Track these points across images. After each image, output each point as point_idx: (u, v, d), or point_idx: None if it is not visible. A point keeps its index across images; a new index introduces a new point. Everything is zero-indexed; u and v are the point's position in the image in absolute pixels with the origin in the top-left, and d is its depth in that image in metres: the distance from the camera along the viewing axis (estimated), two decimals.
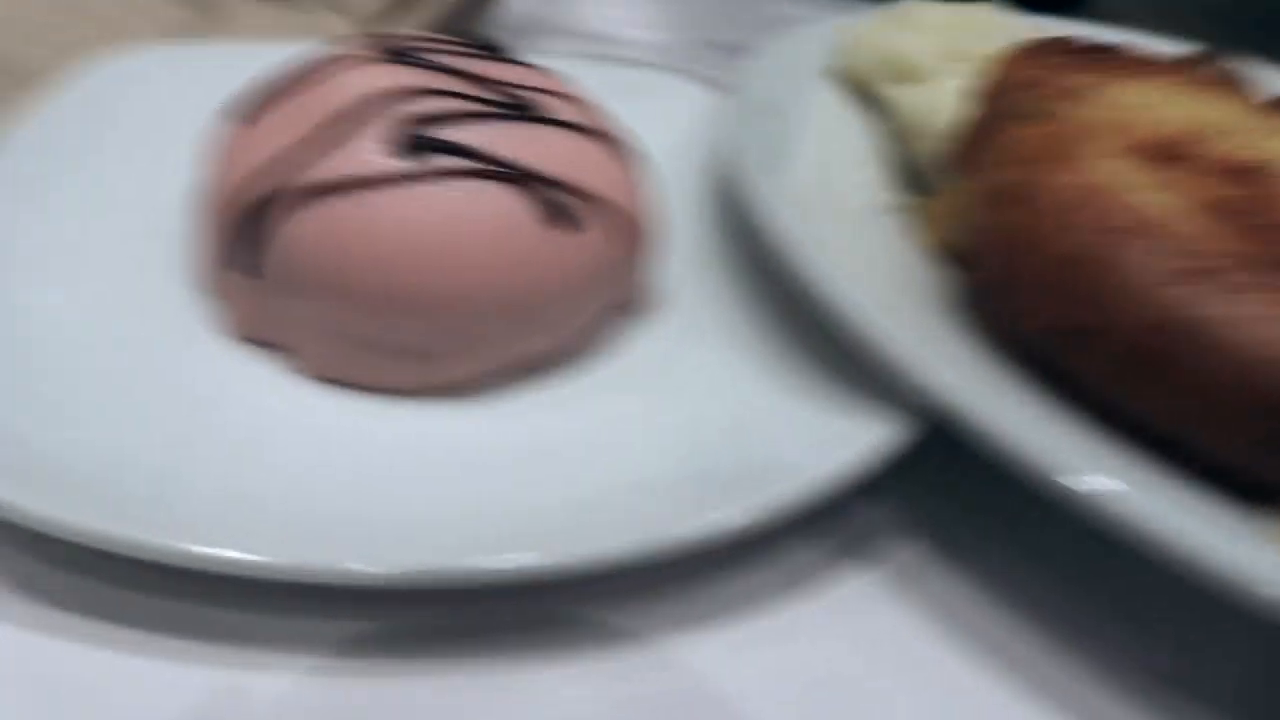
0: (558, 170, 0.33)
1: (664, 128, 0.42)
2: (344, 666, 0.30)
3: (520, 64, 0.37)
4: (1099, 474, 0.29)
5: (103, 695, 0.28)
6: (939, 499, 0.35)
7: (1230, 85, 0.39)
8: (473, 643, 0.30)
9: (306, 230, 0.32)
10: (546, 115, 0.35)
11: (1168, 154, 0.34)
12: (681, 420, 0.34)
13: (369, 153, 0.32)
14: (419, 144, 0.32)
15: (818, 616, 0.32)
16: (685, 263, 0.39)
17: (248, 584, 0.29)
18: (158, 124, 0.41)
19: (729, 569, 0.33)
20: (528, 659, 0.30)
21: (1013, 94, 0.37)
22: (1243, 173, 0.34)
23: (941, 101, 0.40)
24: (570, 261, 0.33)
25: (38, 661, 0.29)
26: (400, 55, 0.35)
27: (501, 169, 0.33)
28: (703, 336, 0.37)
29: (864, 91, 0.44)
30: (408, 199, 0.32)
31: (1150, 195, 0.33)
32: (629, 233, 0.35)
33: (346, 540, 0.29)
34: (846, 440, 0.32)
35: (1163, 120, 0.35)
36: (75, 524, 0.28)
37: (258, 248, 0.33)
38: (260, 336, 0.35)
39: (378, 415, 0.33)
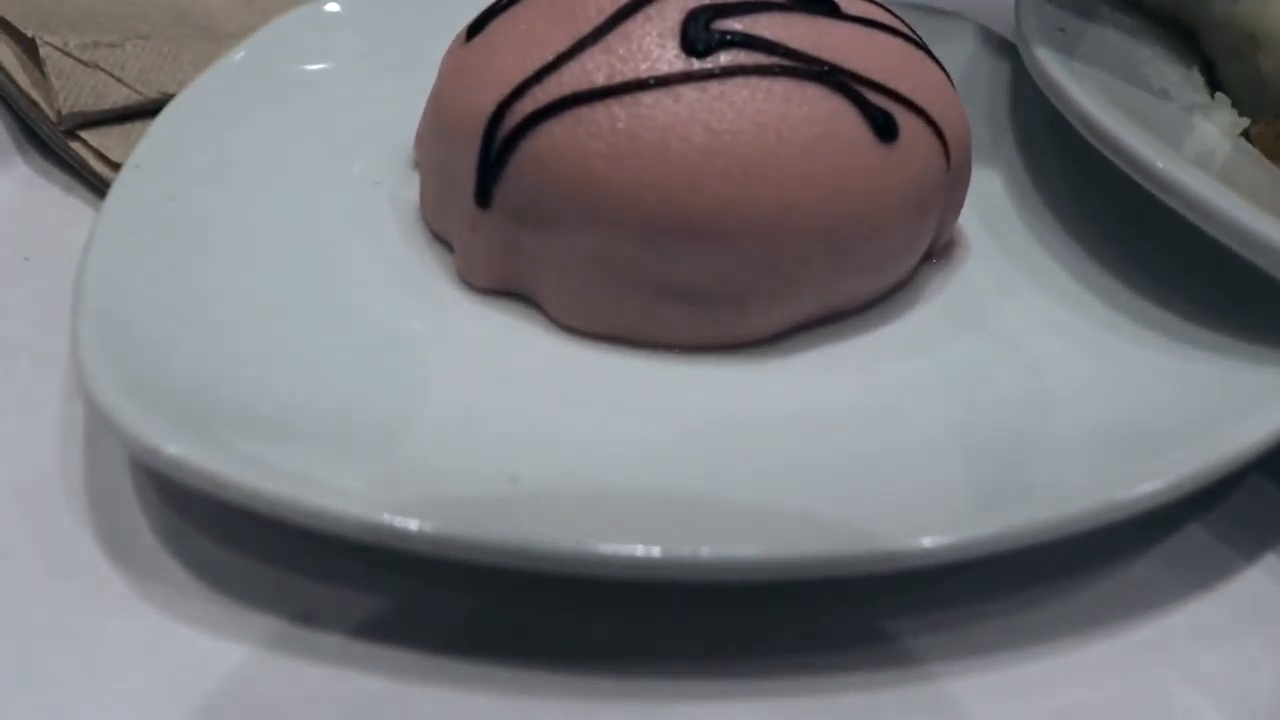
0: (881, 74, 0.27)
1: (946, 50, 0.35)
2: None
3: None
4: None
5: None
6: None
7: None
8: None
9: (572, 142, 0.26)
10: (851, 14, 0.28)
11: None
12: (1031, 378, 0.27)
13: (650, 48, 0.26)
14: (711, 38, 0.26)
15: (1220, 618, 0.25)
16: (994, 204, 0.33)
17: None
18: (374, 68, 0.35)
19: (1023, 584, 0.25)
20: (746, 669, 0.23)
21: None
22: None
23: None
24: (906, 183, 0.27)
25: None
26: None
27: (818, 67, 0.26)
28: (1029, 283, 0.30)
29: (1164, 11, 0.37)
30: (705, 99, 0.26)
31: None
32: (957, 155, 0.29)
33: (643, 526, 0.22)
34: (1248, 400, 0.25)
35: None
36: (295, 500, 0.21)
37: (504, 171, 0.27)
38: (503, 285, 0.28)
39: (656, 374, 0.27)
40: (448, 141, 0.28)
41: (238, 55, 0.35)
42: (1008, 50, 0.39)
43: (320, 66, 0.35)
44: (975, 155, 0.31)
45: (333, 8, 0.37)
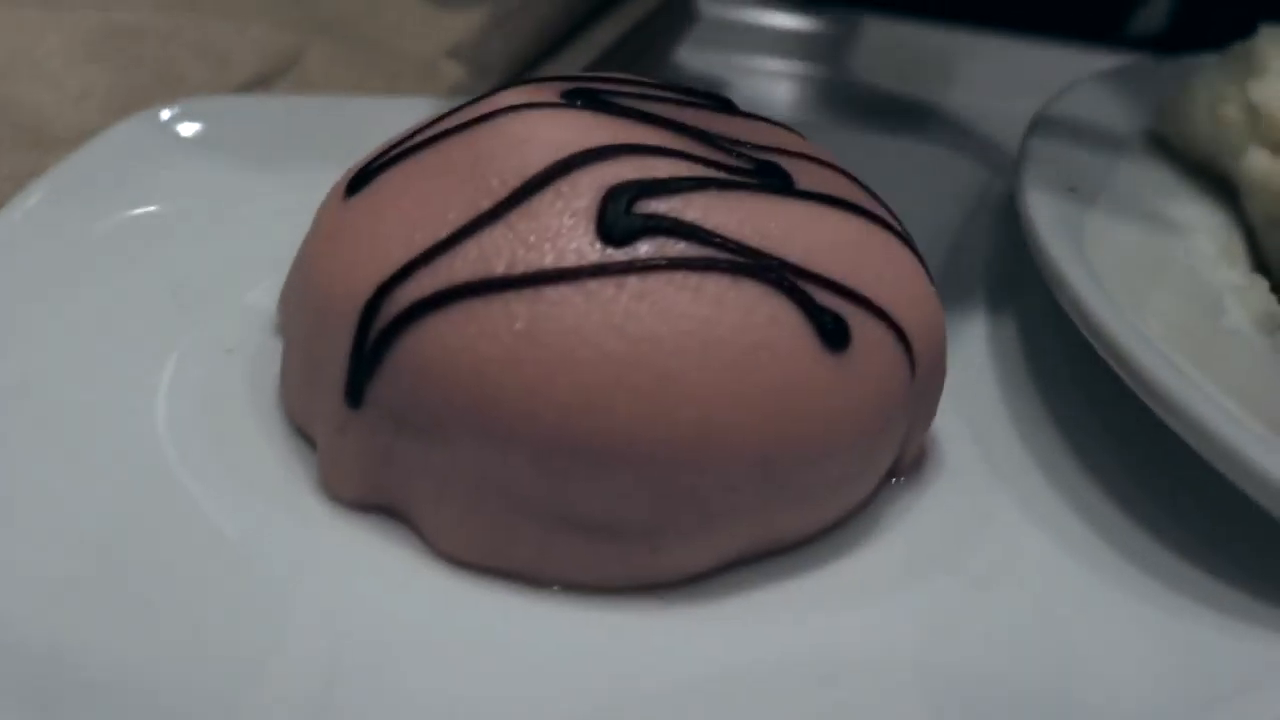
0: (832, 267, 0.29)
1: (929, 208, 0.38)
2: None
3: (753, 117, 0.32)
4: None
5: None
6: None
7: None
8: None
9: (462, 341, 0.27)
10: (805, 188, 0.30)
11: None
12: (1015, 635, 0.29)
13: (560, 232, 0.28)
14: (632, 223, 0.28)
15: None
16: (978, 404, 0.35)
17: None
18: (231, 199, 0.37)
19: None
20: None
21: None
22: None
23: None
24: (859, 398, 0.28)
25: None
26: (590, 100, 0.31)
27: (757, 260, 0.28)
28: (1016, 510, 0.32)
29: (1202, 163, 0.41)
30: (622, 298, 0.27)
31: None
32: (926, 359, 0.30)
33: None
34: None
35: None
36: None
37: (380, 367, 0.28)
38: (373, 500, 0.30)
39: (552, 621, 0.28)
40: (316, 320, 0.29)
41: (55, 175, 0.37)
42: (1009, 203, 0.40)
43: (158, 197, 0.37)
44: (959, 338, 0.32)
45: (179, 120, 0.39)
